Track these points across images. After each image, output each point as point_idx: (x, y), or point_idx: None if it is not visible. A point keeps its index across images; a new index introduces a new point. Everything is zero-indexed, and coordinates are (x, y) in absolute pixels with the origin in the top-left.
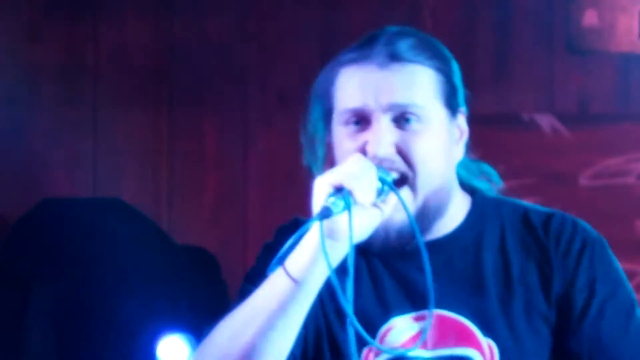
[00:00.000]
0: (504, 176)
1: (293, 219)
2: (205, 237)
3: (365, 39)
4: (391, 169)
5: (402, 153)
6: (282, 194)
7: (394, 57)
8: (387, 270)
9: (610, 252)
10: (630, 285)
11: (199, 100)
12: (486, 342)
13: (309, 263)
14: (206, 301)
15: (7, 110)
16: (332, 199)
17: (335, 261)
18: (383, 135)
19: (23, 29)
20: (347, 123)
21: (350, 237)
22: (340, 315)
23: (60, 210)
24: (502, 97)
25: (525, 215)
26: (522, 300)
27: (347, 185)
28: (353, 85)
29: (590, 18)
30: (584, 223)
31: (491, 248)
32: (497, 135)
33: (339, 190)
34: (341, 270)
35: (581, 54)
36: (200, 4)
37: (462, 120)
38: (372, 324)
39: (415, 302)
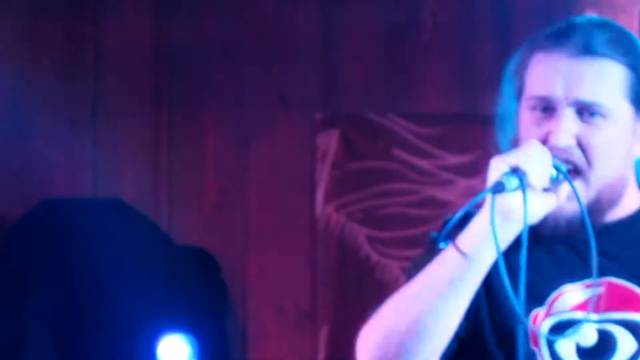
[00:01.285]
0: None
1: (459, 211)
2: (205, 237)
3: (563, 25)
4: (568, 161)
5: (582, 146)
6: (282, 194)
7: (588, 50)
8: (559, 243)
9: None
10: None
11: (199, 101)
12: None
13: (481, 239)
14: (206, 301)
15: (7, 110)
16: (506, 177)
17: (506, 240)
18: (565, 127)
19: (23, 29)
20: (533, 109)
21: (525, 214)
22: (513, 273)
23: (60, 210)
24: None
25: None
26: None
27: (523, 166)
28: (544, 72)
29: None
30: None
31: None
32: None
33: (514, 170)
34: (514, 245)
35: None
36: (200, 4)
37: None
38: (542, 291)
39: (586, 270)
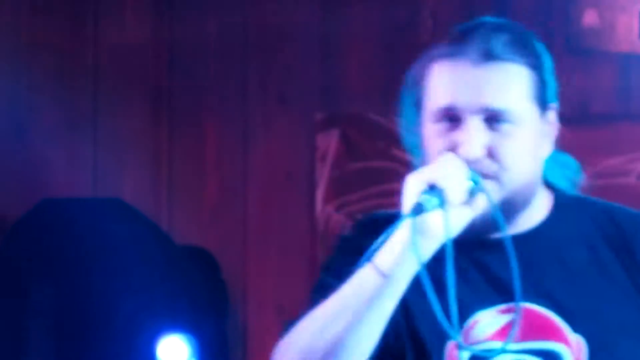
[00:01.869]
0: None
1: (371, 214)
2: (205, 237)
3: (459, 32)
4: (481, 171)
5: (493, 155)
6: (282, 194)
7: (489, 55)
8: (471, 263)
9: None
10: None
11: (199, 100)
12: (575, 338)
13: (399, 258)
14: (206, 301)
15: (7, 109)
16: (424, 196)
17: (425, 257)
18: (474, 138)
19: (23, 29)
20: (437, 121)
21: (447, 232)
22: (424, 309)
23: (60, 210)
24: None
25: (611, 215)
26: (613, 296)
27: (440, 183)
28: (445, 82)
29: (590, 18)
30: None
31: (576, 244)
32: None
33: (431, 188)
34: (430, 263)
35: (581, 54)
36: (200, 4)
37: (552, 115)
38: (458, 317)
39: (500, 294)
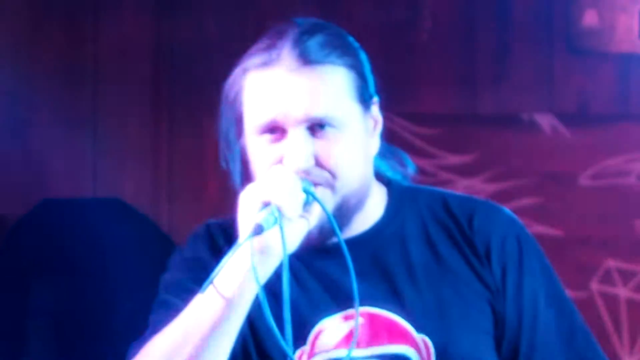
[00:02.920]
0: (503, 176)
1: (205, 225)
2: None
3: (270, 37)
4: (313, 181)
5: (321, 163)
6: None
7: (304, 60)
8: (310, 271)
9: (539, 248)
10: (559, 281)
11: (199, 100)
12: (420, 338)
13: (240, 281)
14: None
15: (7, 109)
16: (262, 215)
17: (266, 275)
18: (299, 149)
19: (23, 29)
20: (260, 133)
21: (284, 251)
22: (267, 326)
23: (60, 210)
24: (502, 97)
25: (445, 203)
26: (454, 289)
27: (275, 200)
28: (262, 95)
29: (590, 18)
30: (509, 214)
31: (415, 239)
32: (497, 135)
33: (266, 205)
34: (272, 278)
35: (581, 54)
36: (200, 4)
37: (375, 110)
38: (302, 327)
39: (342, 301)
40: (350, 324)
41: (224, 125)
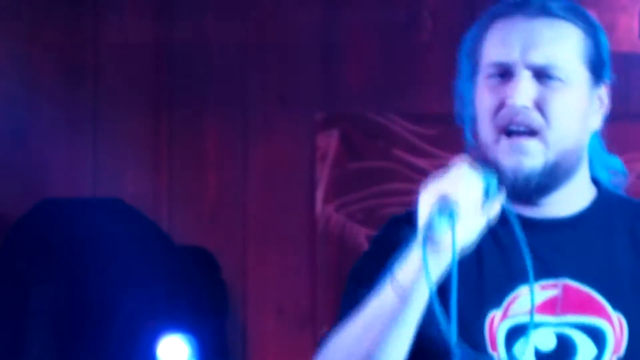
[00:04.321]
0: None
1: (406, 212)
2: (205, 237)
3: None
4: (524, 123)
5: (540, 108)
6: (282, 194)
7: (545, 11)
8: (513, 240)
9: None
10: None
11: (199, 101)
12: (616, 316)
13: (416, 275)
14: (206, 301)
15: (7, 110)
16: (436, 211)
17: (439, 271)
18: (523, 89)
19: (23, 29)
20: (490, 76)
21: (454, 253)
22: (468, 276)
23: (60, 210)
24: None
25: None
26: None
27: (453, 196)
28: (501, 37)
29: None
30: None
31: (621, 232)
32: None
33: (443, 200)
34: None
35: None
36: (200, 4)
37: (604, 92)
38: (498, 292)
39: (542, 271)
40: (548, 293)
41: (459, 83)
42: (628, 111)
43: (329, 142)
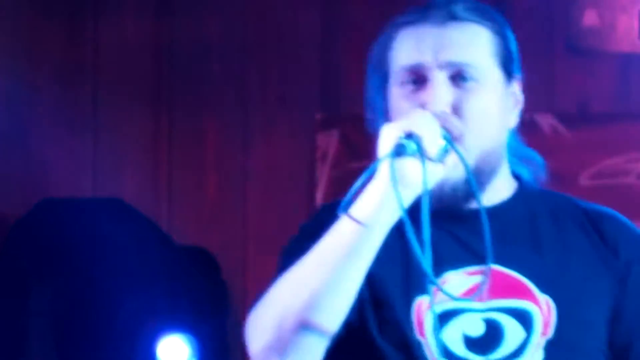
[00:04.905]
0: None
1: (333, 200)
2: (205, 237)
3: (423, 4)
4: (445, 128)
5: (458, 112)
6: (282, 194)
7: (452, 16)
8: (438, 230)
9: None
10: None
11: (199, 101)
12: (544, 299)
13: (376, 207)
14: (206, 301)
15: (7, 110)
16: (404, 140)
17: (404, 203)
18: (440, 93)
19: (23, 29)
20: (403, 83)
21: (424, 177)
22: (390, 269)
23: (60, 210)
24: None
25: (575, 203)
26: (579, 266)
27: (418, 132)
28: (410, 43)
29: (590, 18)
30: (634, 226)
31: (544, 218)
32: None
33: (409, 135)
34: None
35: (581, 54)
36: (200, 4)
37: (517, 88)
38: (425, 278)
39: (469, 258)
40: (475, 279)
41: (369, 92)
42: (628, 111)
43: (329, 142)
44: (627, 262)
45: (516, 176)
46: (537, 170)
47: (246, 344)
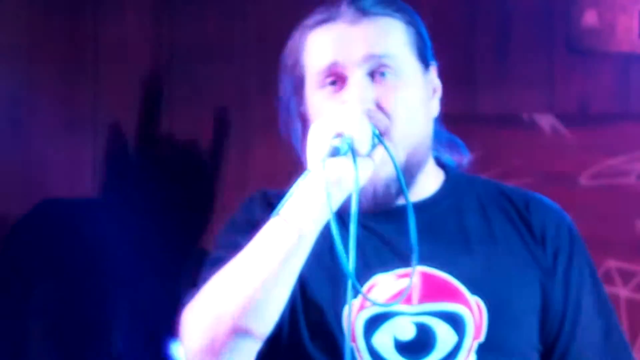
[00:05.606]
0: (503, 176)
1: (261, 191)
2: (205, 237)
3: (327, 2)
4: (373, 124)
5: (382, 108)
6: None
7: (363, 12)
8: (366, 231)
9: (585, 247)
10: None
11: (199, 100)
12: (474, 300)
13: (309, 209)
14: None
15: (7, 110)
16: (335, 142)
17: (335, 207)
18: (361, 91)
19: (23, 29)
20: (322, 85)
21: (357, 179)
22: (319, 274)
23: (60, 210)
24: (502, 97)
25: (500, 189)
26: (508, 261)
27: (348, 131)
28: (324, 44)
29: (590, 18)
30: (561, 209)
31: (472, 212)
32: (497, 135)
33: (339, 136)
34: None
35: (581, 54)
36: (200, 4)
37: (434, 75)
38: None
39: (397, 260)
40: (403, 281)
41: (284, 94)
42: (628, 111)
43: None
44: (554, 252)
45: (441, 164)
46: (460, 155)
47: (180, 342)
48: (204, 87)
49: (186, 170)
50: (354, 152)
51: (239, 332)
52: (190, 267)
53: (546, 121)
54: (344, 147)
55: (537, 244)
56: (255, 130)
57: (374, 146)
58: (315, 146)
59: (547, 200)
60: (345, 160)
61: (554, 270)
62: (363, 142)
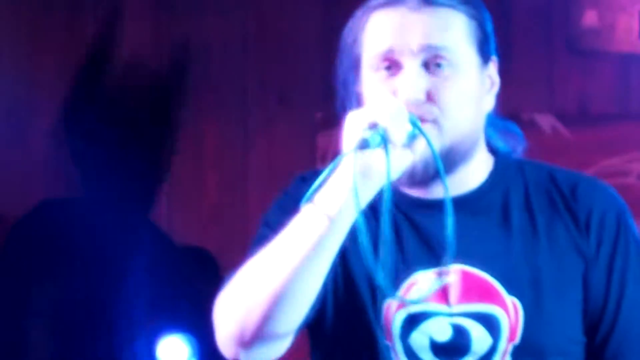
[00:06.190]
0: None
1: (313, 170)
2: (205, 237)
3: None
4: (422, 116)
5: (433, 99)
6: None
7: (427, 1)
8: (409, 224)
9: (636, 232)
10: None
11: (198, 101)
12: (510, 301)
13: (340, 198)
14: (206, 301)
15: (7, 110)
16: (367, 133)
17: (366, 200)
18: (414, 81)
19: (23, 28)
20: (377, 69)
21: (388, 172)
22: (360, 265)
23: (60, 210)
24: (502, 97)
25: (550, 174)
26: (550, 258)
27: (382, 122)
28: (383, 28)
29: (590, 18)
30: (613, 192)
31: (516, 206)
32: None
33: (373, 126)
34: (370, 213)
35: (581, 54)
36: (200, 4)
37: (493, 70)
38: (394, 279)
39: (438, 257)
40: (444, 279)
41: (341, 72)
42: (628, 111)
43: (329, 142)
44: (598, 239)
45: (493, 150)
46: (516, 142)
47: (214, 329)
48: (203, 87)
49: (186, 170)
50: (386, 145)
51: (268, 322)
52: (190, 267)
53: (546, 121)
54: (375, 140)
55: (581, 233)
56: (256, 130)
57: (413, 136)
58: (348, 135)
59: (597, 183)
60: (378, 152)
61: (596, 258)
62: (398, 132)
